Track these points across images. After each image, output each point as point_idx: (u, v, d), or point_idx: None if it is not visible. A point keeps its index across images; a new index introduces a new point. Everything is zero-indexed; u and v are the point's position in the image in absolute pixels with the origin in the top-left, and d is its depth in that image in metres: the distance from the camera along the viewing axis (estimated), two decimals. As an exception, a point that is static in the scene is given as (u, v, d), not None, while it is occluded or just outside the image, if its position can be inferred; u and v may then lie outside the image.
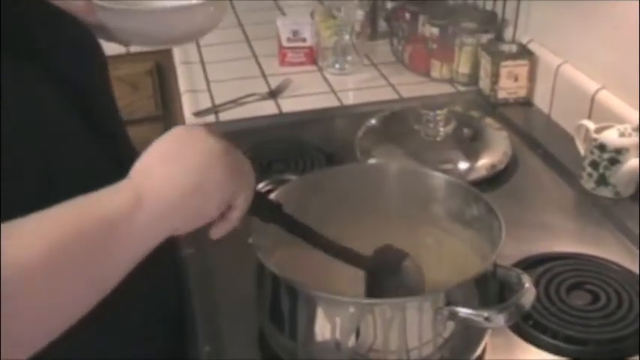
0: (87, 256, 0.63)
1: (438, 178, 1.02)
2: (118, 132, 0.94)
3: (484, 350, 0.92)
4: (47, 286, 0.59)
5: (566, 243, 1.14)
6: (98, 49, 0.95)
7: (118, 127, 0.94)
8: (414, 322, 0.79)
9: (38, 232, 0.60)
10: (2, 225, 0.59)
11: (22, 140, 0.70)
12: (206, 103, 1.64)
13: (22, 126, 0.71)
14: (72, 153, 0.77)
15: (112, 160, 0.84)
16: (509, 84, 1.57)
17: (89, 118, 0.82)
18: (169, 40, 1.22)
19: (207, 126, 0.74)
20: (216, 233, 0.76)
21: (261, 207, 0.81)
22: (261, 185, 0.95)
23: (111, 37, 1.14)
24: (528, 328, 0.97)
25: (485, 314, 0.78)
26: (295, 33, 1.79)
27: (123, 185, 0.67)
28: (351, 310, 0.79)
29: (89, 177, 0.71)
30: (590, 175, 1.25)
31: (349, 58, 1.78)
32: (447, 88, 1.71)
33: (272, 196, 0.93)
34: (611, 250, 1.12)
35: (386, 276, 0.89)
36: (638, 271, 1.07)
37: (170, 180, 0.68)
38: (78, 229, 0.62)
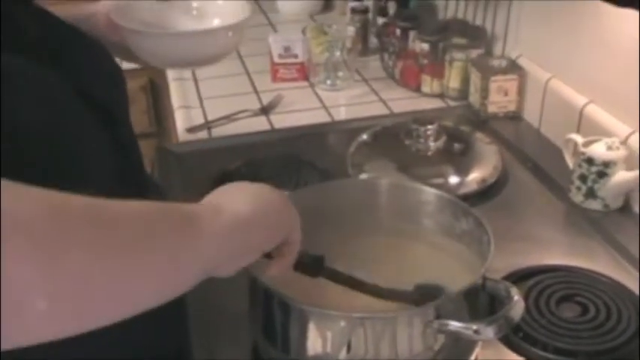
0: (169, 241, 0.61)
1: (428, 192, 1.03)
2: (136, 151, 0.97)
3: (474, 363, 0.93)
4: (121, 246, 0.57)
5: (555, 256, 1.16)
6: (118, 68, 0.98)
7: (135, 146, 0.96)
8: (405, 336, 0.80)
9: (126, 209, 0.60)
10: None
11: (46, 152, 0.72)
12: (199, 119, 1.66)
13: (47, 138, 0.72)
14: (96, 165, 0.79)
15: (136, 184, 0.86)
16: (499, 98, 1.58)
17: (117, 139, 0.84)
18: (191, 63, 1.25)
19: None
20: (275, 270, 0.79)
21: (305, 262, 0.83)
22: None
23: (131, 58, 1.16)
24: (518, 340, 0.98)
25: (475, 327, 0.79)
26: (287, 49, 1.81)
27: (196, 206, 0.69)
28: (342, 324, 0.80)
29: (110, 189, 0.72)
30: (578, 188, 1.26)
31: (340, 74, 1.80)
32: (437, 103, 1.72)
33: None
34: (600, 263, 1.13)
35: None
36: (627, 283, 1.08)
37: (239, 204, 0.71)
38: (163, 214, 0.62)
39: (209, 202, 0.71)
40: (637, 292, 1.06)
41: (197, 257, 0.64)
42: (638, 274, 1.11)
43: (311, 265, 0.84)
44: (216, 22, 1.20)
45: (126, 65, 1.08)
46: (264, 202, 0.74)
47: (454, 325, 0.80)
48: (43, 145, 0.72)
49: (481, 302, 0.87)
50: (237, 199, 0.72)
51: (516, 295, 0.82)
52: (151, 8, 1.18)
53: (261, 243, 0.74)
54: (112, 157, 0.84)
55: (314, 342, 0.82)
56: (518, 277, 1.08)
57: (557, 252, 1.18)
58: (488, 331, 0.79)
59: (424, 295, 0.88)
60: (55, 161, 0.73)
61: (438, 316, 0.80)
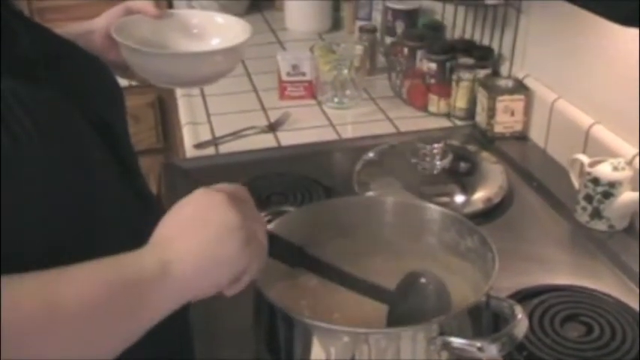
0: (114, 317, 0.67)
1: (433, 210, 1.03)
2: (136, 167, 0.97)
3: (478, 381, 0.92)
4: (73, 335, 0.64)
5: (560, 275, 1.16)
6: (117, 84, 0.99)
7: (135, 162, 0.97)
8: (408, 352, 0.80)
9: (73, 287, 0.65)
10: (39, 273, 0.64)
11: (61, 176, 0.73)
12: (206, 136, 1.67)
13: (59, 160, 0.73)
14: (104, 188, 0.80)
15: (134, 195, 0.87)
16: (506, 118, 1.59)
17: (114, 153, 0.85)
18: (188, 82, 1.26)
19: (229, 191, 0.77)
20: (229, 293, 0.79)
21: (283, 252, 0.84)
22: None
23: (129, 75, 1.17)
24: (522, 359, 0.98)
25: (478, 344, 0.79)
26: (295, 67, 1.82)
27: (148, 254, 0.70)
28: (346, 339, 0.81)
29: (118, 212, 0.75)
30: (584, 208, 1.26)
31: (348, 92, 1.81)
32: (444, 123, 1.73)
33: (270, 226, 0.95)
34: (605, 283, 1.13)
35: (405, 302, 0.91)
36: (632, 304, 1.08)
37: (189, 254, 0.71)
38: (108, 293, 0.66)
39: (159, 249, 0.71)
40: (641, 313, 1.05)
41: (143, 322, 0.70)
42: (643, 294, 1.11)
43: (290, 255, 0.85)
44: (215, 42, 1.20)
45: (135, 82, 1.09)
46: (217, 248, 0.73)
47: (458, 342, 0.80)
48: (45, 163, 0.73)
49: (485, 320, 0.87)
50: (190, 245, 0.72)
51: (520, 314, 0.82)
52: (151, 25, 1.18)
53: (209, 288, 0.74)
54: (112, 172, 0.84)
55: (317, 357, 0.82)
56: (523, 297, 1.09)
57: (562, 272, 1.18)
58: (492, 349, 0.79)
59: (401, 297, 0.90)
60: (59, 177, 0.74)
61: (442, 333, 0.80)
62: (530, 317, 1.03)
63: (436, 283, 0.91)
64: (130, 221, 0.83)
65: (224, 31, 1.20)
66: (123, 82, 1.33)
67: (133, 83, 1.78)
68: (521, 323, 0.82)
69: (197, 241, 0.72)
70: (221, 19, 1.24)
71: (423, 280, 0.91)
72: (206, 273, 0.73)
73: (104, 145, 0.83)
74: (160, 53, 1.14)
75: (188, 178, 1.49)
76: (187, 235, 0.73)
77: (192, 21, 1.22)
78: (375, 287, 0.91)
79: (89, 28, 1.13)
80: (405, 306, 0.90)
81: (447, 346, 0.80)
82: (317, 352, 0.82)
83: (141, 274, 0.68)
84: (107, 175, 0.83)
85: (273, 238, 0.81)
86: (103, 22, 1.13)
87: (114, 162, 0.86)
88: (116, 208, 0.78)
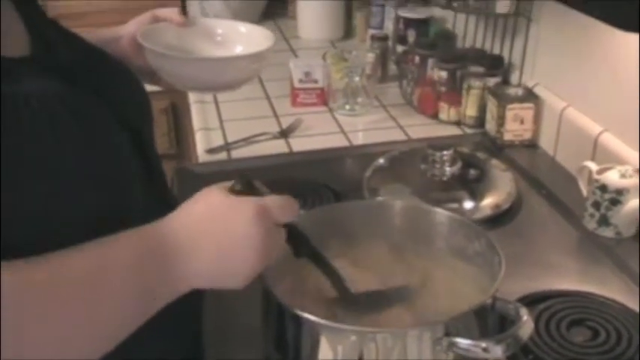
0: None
1: (441, 214, 1.05)
2: (161, 172, 0.99)
3: (484, 383, 0.93)
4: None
5: (567, 281, 1.17)
6: (144, 91, 1.03)
7: (160, 168, 0.99)
8: (414, 351, 0.81)
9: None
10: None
11: (92, 180, 0.76)
12: (219, 141, 1.68)
13: (94, 166, 0.76)
14: (130, 193, 0.83)
15: (158, 201, 0.90)
16: (515, 126, 1.60)
17: (142, 158, 0.88)
18: (211, 88, 1.30)
19: (244, 197, 0.77)
20: None
21: (294, 240, 0.85)
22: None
23: (155, 81, 1.20)
24: (528, 362, 0.99)
25: (484, 345, 0.80)
26: (307, 74, 1.84)
27: (158, 256, 0.73)
28: (353, 338, 0.82)
29: (142, 217, 0.77)
30: (592, 215, 1.27)
31: (359, 99, 1.83)
32: (454, 130, 1.75)
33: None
34: (612, 289, 1.14)
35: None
36: (637, 309, 1.08)
37: (202, 262, 0.74)
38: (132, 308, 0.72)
39: (171, 253, 0.73)
40: (648, 318, 1.06)
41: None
42: (649, 300, 1.12)
43: (298, 243, 0.87)
44: (238, 50, 1.23)
45: (148, 88, 1.11)
46: (233, 258, 0.75)
47: (463, 342, 0.81)
48: (78, 165, 0.75)
49: (491, 322, 0.88)
50: (203, 248, 0.74)
51: (525, 315, 0.83)
52: (176, 32, 1.21)
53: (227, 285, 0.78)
54: (139, 177, 0.86)
55: (325, 357, 0.84)
56: (530, 301, 1.09)
57: (569, 278, 1.19)
58: (497, 350, 0.80)
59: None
60: (92, 178, 0.76)
61: (448, 333, 0.81)
62: (536, 321, 1.04)
63: None
64: None
65: (247, 39, 1.24)
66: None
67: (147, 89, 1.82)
68: (526, 325, 0.83)
69: (213, 249, 0.75)
70: (244, 28, 1.27)
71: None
72: (218, 282, 0.77)
73: (132, 149, 0.86)
74: (186, 58, 1.18)
75: (200, 182, 1.50)
76: (203, 242, 0.74)
77: (217, 29, 1.26)
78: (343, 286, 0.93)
79: (117, 35, 1.16)
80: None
81: (452, 346, 0.81)
82: (324, 350, 0.83)
83: (156, 286, 0.73)
84: (133, 178, 0.85)
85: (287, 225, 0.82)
86: (130, 28, 1.16)
87: (141, 166, 0.88)
88: (140, 212, 0.80)
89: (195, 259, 0.74)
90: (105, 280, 0.69)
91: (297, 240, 0.86)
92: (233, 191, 0.78)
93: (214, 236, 0.74)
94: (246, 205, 0.75)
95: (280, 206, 0.78)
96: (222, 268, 0.76)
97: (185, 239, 0.74)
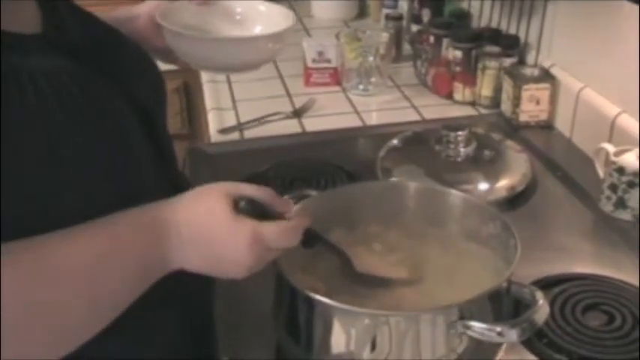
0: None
1: (455, 196, 1.04)
2: (172, 155, 0.99)
3: (497, 367, 0.93)
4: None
5: (583, 264, 1.15)
6: (158, 73, 1.02)
7: (171, 150, 0.98)
8: (428, 335, 0.81)
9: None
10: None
11: (98, 157, 0.76)
12: (231, 121, 1.67)
13: (97, 141, 0.76)
14: (138, 173, 0.82)
15: (169, 183, 0.89)
16: (531, 107, 1.58)
17: (152, 139, 0.87)
18: (230, 68, 1.27)
19: (245, 220, 0.78)
20: None
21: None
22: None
23: (172, 60, 1.18)
24: (542, 346, 0.98)
25: (498, 329, 0.79)
26: (320, 54, 1.83)
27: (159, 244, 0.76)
28: (367, 321, 0.81)
29: (151, 198, 0.78)
30: (608, 197, 1.26)
31: (373, 79, 1.81)
32: (469, 111, 1.73)
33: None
34: (628, 273, 1.12)
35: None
36: (654, 294, 1.07)
37: (193, 259, 0.78)
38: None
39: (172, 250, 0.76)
40: (664, 303, 1.05)
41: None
42: (666, 284, 1.10)
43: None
44: (258, 29, 1.21)
45: (161, 66, 1.10)
46: (219, 265, 0.79)
47: (478, 326, 0.80)
48: (86, 145, 0.74)
49: (505, 306, 0.87)
50: (196, 251, 0.77)
51: (541, 299, 0.83)
52: (195, 11, 1.19)
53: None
54: (148, 158, 0.85)
55: (337, 339, 0.83)
56: (545, 285, 1.08)
57: (585, 261, 1.17)
58: (512, 334, 0.79)
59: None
60: (95, 158, 0.75)
61: (462, 317, 0.81)
62: (551, 305, 1.03)
63: None
64: None
65: (266, 18, 1.21)
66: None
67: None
68: (542, 309, 0.82)
69: (203, 262, 0.79)
70: (263, 7, 1.24)
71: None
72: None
73: (142, 131, 0.85)
74: (204, 38, 1.15)
75: (212, 162, 1.50)
76: (197, 252, 0.78)
77: (236, 9, 1.23)
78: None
79: (133, 14, 1.14)
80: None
81: (466, 330, 0.80)
82: (337, 334, 0.83)
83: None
84: (143, 160, 0.84)
85: None
86: (147, 8, 1.14)
87: (151, 147, 0.87)
88: (151, 196, 0.79)
89: (188, 251, 0.77)
90: (108, 263, 0.72)
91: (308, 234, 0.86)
92: (237, 208, 0.78)
93: (207, 249, 0.77)
94: (243, 233, 0.76)
95: (279, 235, 0.79)
96: (210, 269, 0.80)
97: (184, 234, 0.76)
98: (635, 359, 0.96)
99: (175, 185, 0.90)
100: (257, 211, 0.79)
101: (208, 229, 0.77)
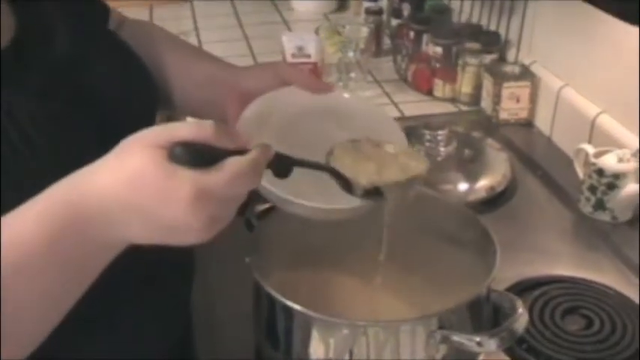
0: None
1: (435, 199, 1.03)
2: None
3: (477, 373, 0.92)
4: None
5: (562, 267, 1.15)
6: (153, 96, 0.92)
7: None
8: (407, 345, 0.80)
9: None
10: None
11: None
12: (210, 117, 1.65)
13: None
14: None
15: None
16: (511, 105, 1.58)
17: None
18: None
19: (183, 171, 0.62)
20: None
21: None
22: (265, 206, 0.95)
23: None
24: (522, 352, 0.97)
25: (477, 339, 0.79)
26: (300, 49, 1.80)
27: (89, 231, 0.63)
28: (345, 331, 0.80)
29: None
30: (588, 199, 1.25)
31: (352, 75, 1.79)
32: (449, 108, 1.72)
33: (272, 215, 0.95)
34: (607, 275, 1.13)
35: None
36: (632, 297, 1.07)
37: (136, 234, 0.64)
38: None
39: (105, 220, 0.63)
40: (643, 307, 1.05)
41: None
42: (644, 288, 1.10)
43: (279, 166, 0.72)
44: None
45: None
46: (169, 233, 0.64)
47: (457, 336, 0.79)
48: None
49: (485, 313, 0.87)
50: (133, 223, 0.63)
51: (520, 308, 0.82)
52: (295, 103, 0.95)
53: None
54: None
55: (316, 348, 0.82)
56: (524, 288, 1.08)
57: (564, 263, 1.17)
58: (491, 344, 0.79)
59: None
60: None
61: (441, 327, 0.80)
62: (530, 309, 1.03)
63: None
64: None
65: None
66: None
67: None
68: (521, 318, 0.81)
69: (148, 232, 0.64)
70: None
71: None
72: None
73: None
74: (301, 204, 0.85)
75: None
76: (137, 223, 0.63)
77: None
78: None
79: (228, 79, 0.98)
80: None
81: (446, 340, 0.80)
82: (316, 343, 0.82)
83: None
84: None
85: None
86: (251, 84, 0.96)
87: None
88: None
89: (125, 230, 0.63)
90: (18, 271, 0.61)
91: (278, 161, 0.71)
92: (172, 157, 0.62)
93: (148, 216, 0.63)
94: (183, 189, 0.61)
95: (229, 181, 0.63)
96: (160, 239, 0.65)
97: (114, 211, 0.62)
98: (613, 364, 0.96)
99: None
100: (197, 157, 0.62)
101: (140, 196, 0.62)
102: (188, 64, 1.02)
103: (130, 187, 0.62)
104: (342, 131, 0.92)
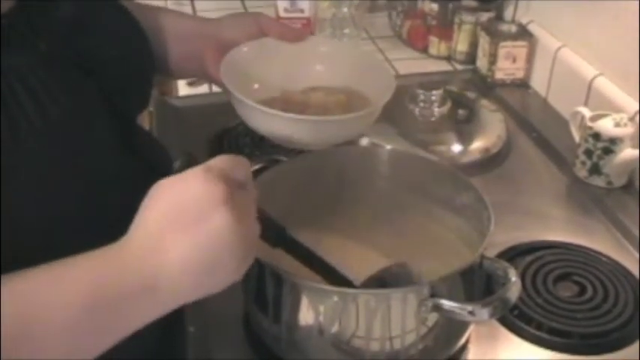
0: (91, 335, 0.61)
1: (429, 162, 1.01)
2: (151, 140, 0.92)
3: (468, 339, 0.92)
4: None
5: (555, 231, 1.14)
6: (151, 62, 0.91)
7: (142, 139, 0.89)
8: (398, 313, 0.79)
9: (48, 309, 0.58)
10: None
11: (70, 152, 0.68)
12: (200, 73, 1.62)
13: (67, 145, 0.68)
14: (107, 169, 0.74)
15: (146, 169, 0.81)
16: (507, 65, 1.55)
17: (124, 137, 0.79)
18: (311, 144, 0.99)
19: (230, 182, 0.63)
20: None
21: (267, 231, 0.74)
22: (254, 168, 0.93)
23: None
24: (513, 318, 0.97)
25: (470, 308, 0.77)
26: (293, 4, 1.76)
27: (131, 263, 0.61)
28: (335, 299, 0.79)
29: (127, 187, 0.68)
30: (583, 163, 1.24)
31: (346, 30, 1.76)
32: (444, 66, 1.69)
33: (263, 176, 0.93)
34: (600, 241, 1.12)
35: None
36: (626, 264, 1.06)
37: (178, 265, 0.62)
38: (86, 315, 0.60)
39: (145, 252, 0.61)
40: (636, 274, 1.04)
41: (124, 334, 0.64)
42: (638, 255, 1.09)
43: (272, 234, 0.78)
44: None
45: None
46: (210, 255, 0.62)
47: (449, 304, 0.78)
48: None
49: (478, 281, 0.86)
50: (177, 250, 0.61)
51: (514, 277, 0.80)
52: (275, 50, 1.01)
53: (203, 295, 0.66)
54: (118, 153, 0.78)
55: (306, 315, 0.81)
56: (516, 253, 1.07)
57: (558, 228, 1.16)
58: (484, 313, 0.77)
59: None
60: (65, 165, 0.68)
61: (433, 295, 0.78)
62: (523, 275, 1.02)
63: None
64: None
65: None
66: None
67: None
68: (514, 286, 0.80)
69: (188, 246, 0.62)
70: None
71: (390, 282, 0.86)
72: (196, 286, 0.64)
73: (109, 120, 0.76)
74: (278, 115, 0.90)
75: (180, 116, 1.46)
76: (176, 238, 0.61)
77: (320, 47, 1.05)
78: (344, 281, 0.84)
79: (202, 32, 1.00)
80: None
81: (437, 308, 0.78)
82: (305, 310, 0.81)
83: (122, 290, 0.61)
84: (105, 147, 0.77)
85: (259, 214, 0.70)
86: (229, 34, 0.99)
87: (117, 136, 0.80)
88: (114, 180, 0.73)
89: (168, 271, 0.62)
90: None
91: (271, 230, 0.77)
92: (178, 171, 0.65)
93: (187, 234, 0.62)
94: (217, 192, 0.62)
95: (229, 164, 0.65)
96: (202, 267, 0.63)
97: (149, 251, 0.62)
98: (604, 332, 0.95)
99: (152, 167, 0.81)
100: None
101: (171, 207, 0.62)
102: (174, 23, 1.01)
103: (166, 198, 0.63)
104: (325, 69, 1.02)
